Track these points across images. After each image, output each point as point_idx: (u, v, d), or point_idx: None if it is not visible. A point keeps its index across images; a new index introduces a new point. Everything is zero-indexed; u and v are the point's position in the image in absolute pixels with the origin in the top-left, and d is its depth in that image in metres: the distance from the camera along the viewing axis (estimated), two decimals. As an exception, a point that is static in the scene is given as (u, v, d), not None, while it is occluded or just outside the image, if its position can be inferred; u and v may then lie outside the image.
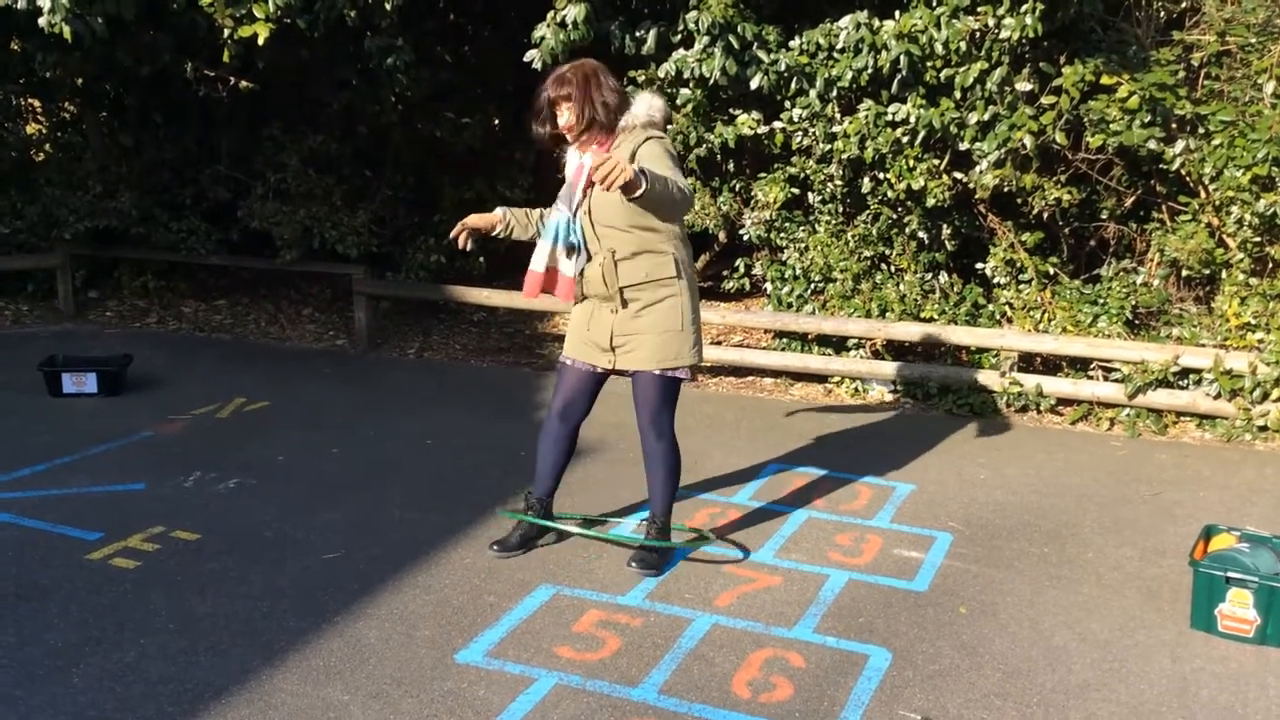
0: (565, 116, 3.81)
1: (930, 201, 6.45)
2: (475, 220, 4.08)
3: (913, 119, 6.28)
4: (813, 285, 6.93)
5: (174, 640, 3.49)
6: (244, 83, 8.82)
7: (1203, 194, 6.17)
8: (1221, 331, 6.00)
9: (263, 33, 6.13)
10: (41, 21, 5.83)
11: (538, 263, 3.94)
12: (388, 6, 6.50)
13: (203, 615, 3.66)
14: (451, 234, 4.10)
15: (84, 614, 3.66)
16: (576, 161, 3.90)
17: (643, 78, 6.80)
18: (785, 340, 7.04)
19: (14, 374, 6.73)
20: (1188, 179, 6.20)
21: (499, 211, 4.13)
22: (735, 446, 5.63)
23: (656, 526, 4.12)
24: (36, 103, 9.62)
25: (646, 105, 3.84)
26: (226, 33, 6.21)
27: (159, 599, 3.78)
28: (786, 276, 7.00)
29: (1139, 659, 3.46)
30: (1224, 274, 6.15)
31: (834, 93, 6.46)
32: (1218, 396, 5.84)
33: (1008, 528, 4.56)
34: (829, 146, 6.58)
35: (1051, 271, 6.62)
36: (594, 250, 3.89)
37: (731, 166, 7.25)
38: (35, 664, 3.33)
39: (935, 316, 6.61)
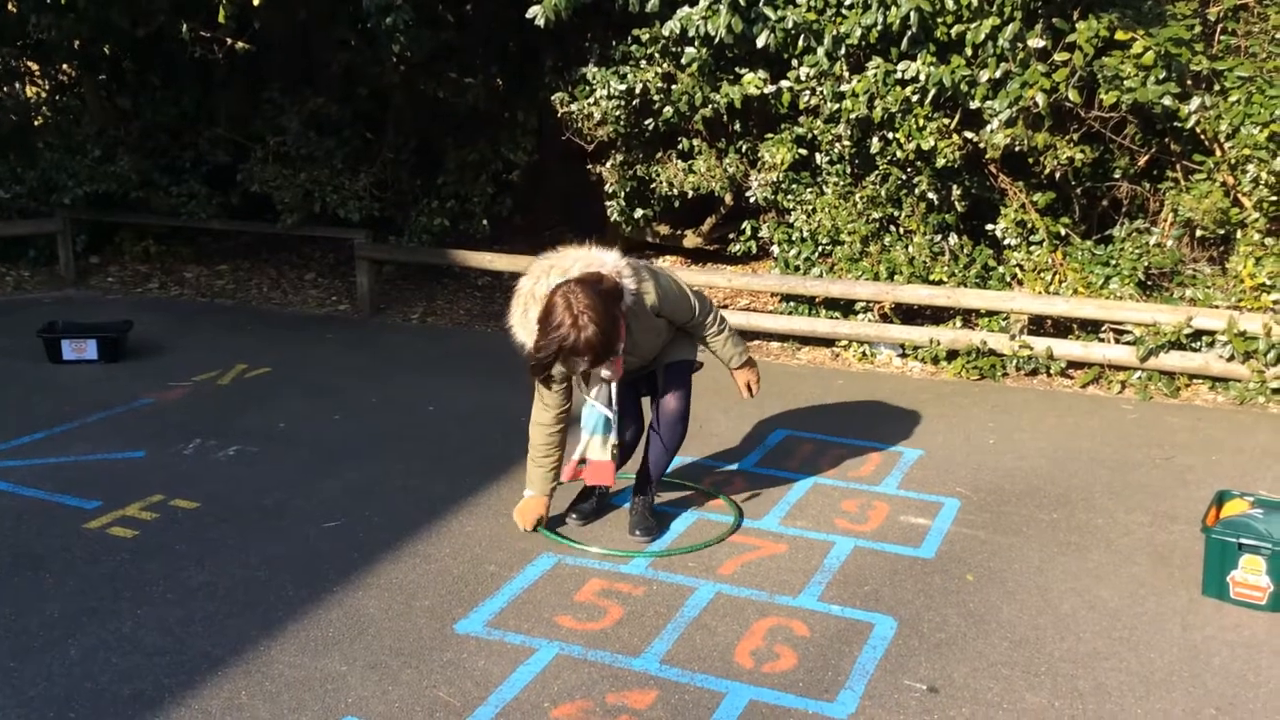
0: (603, 374, 3.73)
1: (940, 162, 6.33)
2: (538, 515, 4.02)
3: (923, 77, 6.15)
4: (820, 248, 6.83)
5: (171, 610, 3.45)
6: (240, 44, 8.69)
7: (1218, 152, 6.04)
8: (1235, 293, 5.90)
9: (258, -8, 6.02)
10: (33, -19, 5.73)
11: (578, 452, 3.91)
12: (386, -36, 6.38)
13: (200, 585, 3.62)
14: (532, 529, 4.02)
15: (81, 584, 3.62)
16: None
17: (646, 36, 6.67)
18: (792, 304, 6.96)
19: (14, 340, 6.68)
20: (1203, 137, 6.07)
21: (545, 495, 4.02)
22: (741, 412, 5.56)
23: (651, 494, 4.13)
24: (34, 66, 9.51)
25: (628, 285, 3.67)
26: (222, -8, 6.11)
27: (156, 569, 3.73)
28: (794, 239, 6.90)
29: (1149, 627, 3.40)
30: (1239, 234, 6.04)
31: (842, 50, 6.33)
32: (1231, 359, 5.75)
33: (1016, 493, 4.50)
34: (837, 106, 6.46)
35: (1063, 232, 6.51)
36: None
37: (737, 127, 7.14)
38: (31, 635, 3.30)
39: (944, 279, 6.51)
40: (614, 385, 3.81)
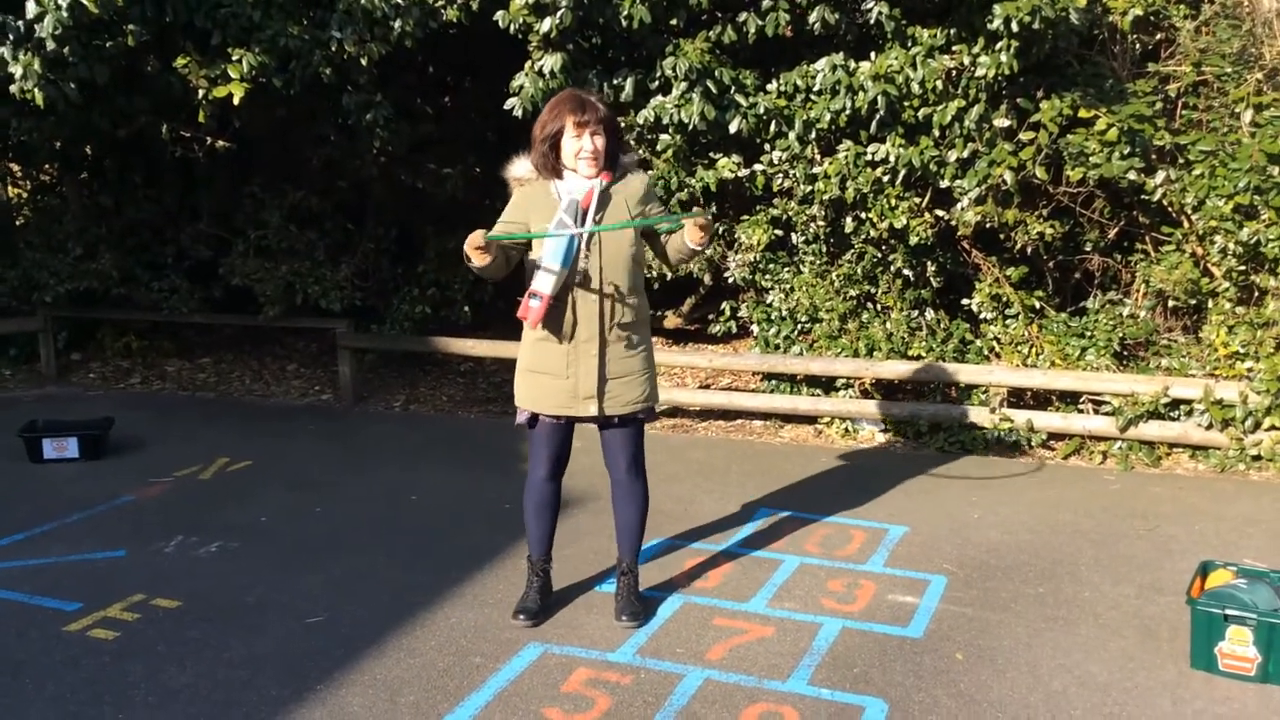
0: (596, 143, 3.71)
1: (913, 239, 6.43)
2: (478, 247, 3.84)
3: (892, 158, 6.28)
4: (799, 326, 6.90)
5: (152, 714, 3.40)
6: (221, 142, 8.80)
7: (1186, 224, 6.16)
8: (1210, 361, 5.97)
9: (238, 93, 6.11)
10: (13, 88, 5.80)
11: (544, 285, 3.75)
12: (364, 63, 6.50)
13: (182, 686, 3.57)
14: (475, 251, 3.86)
15: (60, 689, 3.57)
16: (586, 185, 3.76)
17: (622, 124, 6.78)
18: (774, 382, 6.99)
19: (-6, 440, 6.64)
20: (1170, 209, 6.20)
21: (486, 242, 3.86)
22: (725, 492, 5.56)
23: (634, 574, 4.09)
24: (16, 167, 9.59)
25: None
26: (201, 93, 6.20)
27: (138, 671, 3.68)
28: (773, 318, 6.96)
29: (1139, 702, 3.39)
30: (1210, 303, 6.13)
31: (813, 134, 6.46)
32: (1209, 427, 5.80)
33: (1003, 568, 4.49)
34: (810, 188, 6.57)
35: (1037, 305, 6.60)
36: (592, 284, 3.77)
37: (714, 209, 7.24)
38: (8, 744, 3.24)
39: (923, 354, 6.57)
40: (589, 214, 3.73)
